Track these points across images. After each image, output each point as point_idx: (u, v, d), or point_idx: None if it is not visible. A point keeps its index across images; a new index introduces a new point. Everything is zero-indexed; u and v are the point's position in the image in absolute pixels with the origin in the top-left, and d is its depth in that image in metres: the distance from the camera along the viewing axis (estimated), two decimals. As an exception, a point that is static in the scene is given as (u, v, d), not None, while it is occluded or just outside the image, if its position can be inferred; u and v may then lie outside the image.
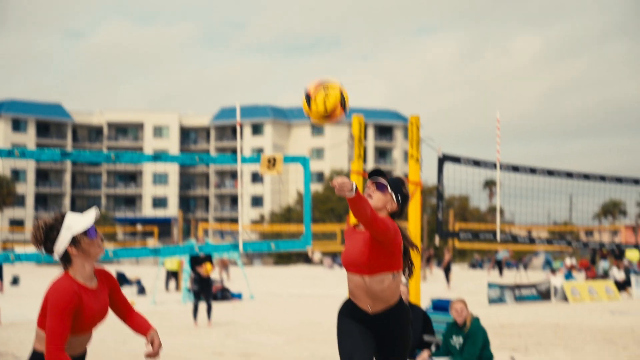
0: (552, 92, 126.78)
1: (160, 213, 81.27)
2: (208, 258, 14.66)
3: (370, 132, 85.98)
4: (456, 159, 10.14)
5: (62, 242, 3.81)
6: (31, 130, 79.99)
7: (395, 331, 4.29)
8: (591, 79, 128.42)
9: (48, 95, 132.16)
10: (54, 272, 42.20)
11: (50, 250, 3.85)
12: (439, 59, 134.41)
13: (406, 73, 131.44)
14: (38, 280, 29.46)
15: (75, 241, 3.81)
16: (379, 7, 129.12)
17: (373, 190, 4.35)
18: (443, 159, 10.03)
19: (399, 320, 4.29)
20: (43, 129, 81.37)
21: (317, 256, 53.26)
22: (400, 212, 4.39)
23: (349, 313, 4.32)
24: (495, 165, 10.35)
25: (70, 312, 3.70)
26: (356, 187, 3.83)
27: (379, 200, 4.32)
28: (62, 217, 3.87)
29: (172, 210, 79.48)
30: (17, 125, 79.49)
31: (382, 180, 4.36)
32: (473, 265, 49.34)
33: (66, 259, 3.84)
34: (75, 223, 3.84)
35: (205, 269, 14.52)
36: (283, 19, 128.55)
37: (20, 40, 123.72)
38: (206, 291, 14.57)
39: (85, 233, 3.83)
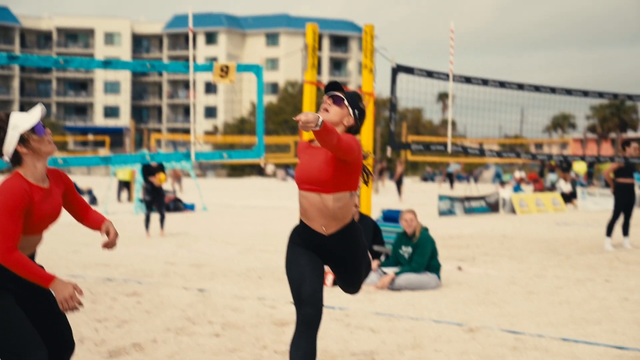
0: (510, 3, 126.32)
1: (112, 123, 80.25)
2: (160, 168, 14.51)
3: (326, 43, 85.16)
4: (409, 70, 10.12)
5: (10, 142, 3.74)
6: (-24, 35, 77.65)
7: (350, 249, 4.24)
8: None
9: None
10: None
11: None
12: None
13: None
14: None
15: (23, 140, 3.74)
16: None
17: (329, 104, 4.21)
18: (397, 70, 9.99)
19: (353, 238, 4.23)
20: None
21: (270, 168, 53.37)
22: (357, 128, 4.27)
23: (301, 238, 4.21)
24: (448, 77, 10.37)
25: (21, 211, 3.65)
26: (322, 121, 3.69)
27: (336, 114, 4.18)
28: (7, 116, 3.78)
29: (124, 120, 78.50)
30: (-39, 30, 77.04)
31: (339, 94, 4.24)
32: (425, 178, 49.96)
33: (16, 160, 3.76)
34: (22, 121, 3.75)
35: (159, 178, 14.40)
36: None
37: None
38: (159, 201, 14.49)
39: (33, 130, 3.76)
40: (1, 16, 79.90)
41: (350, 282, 4.45)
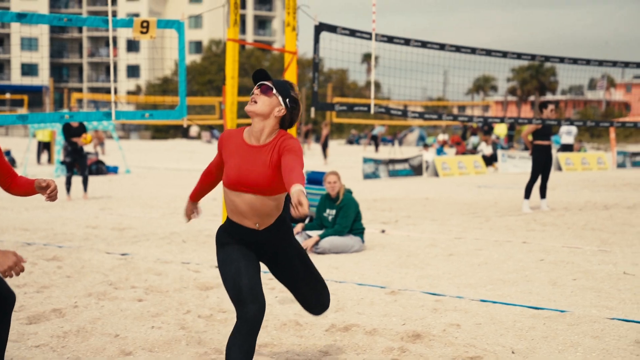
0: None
1: (29, 81, 77.91)
2: (83, 128, 14.12)
3: (250, 1, 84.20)
4: (332, 28, 10.10)
5: None
6: None
7: (282, 241, 4.10)
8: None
9: None
10: None
11: None
12: None
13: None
14: None
15: None
16: None
17: (257, 94, 3.92)
18: (319, 27, 9.96)
19: (285, 230, 4.10)
20: None
21: (194, 129, 52.78)
22: (291, 120, 3.99)
23: (231, 237, 4.03)
24: (370, 36, 10.38)
25: None
26: (301, 189, 3.46)
27: (264, 104, 3.91)
28: None
29: (43, 78, 76.29)
30: None
31: (268, 83, 3.95)
32: (350, 141, 50.22)
33: None
34: None
35: (84, 138, 14.00)
36: None
37: None
38: (81, 162, 14.16)
39: None
40: None
41: (293, 285, 4.25)
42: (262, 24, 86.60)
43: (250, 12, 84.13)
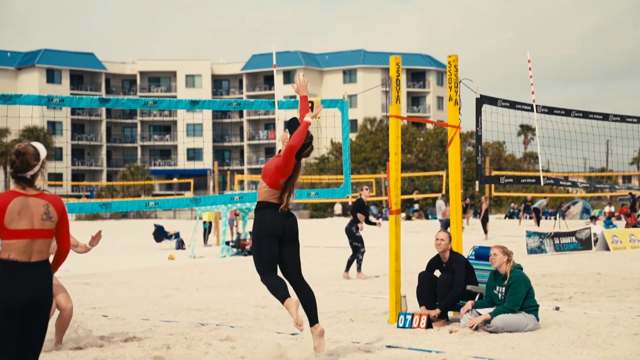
0: (594, 33, 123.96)
1: (195, 165, 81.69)
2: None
3: (403, 77, 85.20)
4: (493, 100, 9.96)
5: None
6: (65, 81, 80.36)
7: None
8: (634, 18, 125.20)
9: (83, 45, 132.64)
10: (91, 226, 42.76)
11: None
12: (478, 1, 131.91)
13: (444, 16, 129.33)
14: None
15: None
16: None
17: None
18: (481, 100, 9.84)
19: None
20: (77, 80, 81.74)
21: (338, 207, 52.59)
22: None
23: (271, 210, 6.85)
24: (531, 107, 10.15)
25: None
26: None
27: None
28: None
29: (207, 161, 79.82)
30: (52, 76, 79.88)
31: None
32: (510, 215, 48.96)
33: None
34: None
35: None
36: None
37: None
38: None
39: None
40: (88, 62, 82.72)
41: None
42: (415, 100, 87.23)
43: (403, 87, 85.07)
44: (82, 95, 8.39)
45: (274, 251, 6.72)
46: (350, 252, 14.43)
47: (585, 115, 10.65)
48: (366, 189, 14.70)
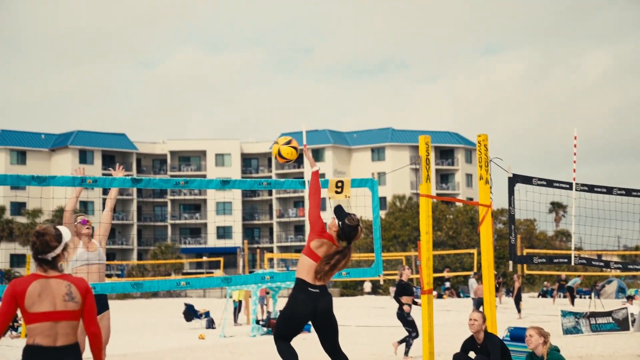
0: (625, 110, 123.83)
1: (224, 243, 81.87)
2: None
3: (432, 155, 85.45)
4: (528, 179, 9.89)
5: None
6: (97, 161, 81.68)
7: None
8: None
9: (114, 126, 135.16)
10: (121, 305, 42.72)
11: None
12: (506, 79, 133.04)
13: (472, 94, 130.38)
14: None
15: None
16: (445, 28, 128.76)
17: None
18: (514, 179, 9.78)
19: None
20: (108, 160, 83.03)
21: (367, 285, 51.79)
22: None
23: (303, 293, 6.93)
24: (570, 185, 10.06)
25: None
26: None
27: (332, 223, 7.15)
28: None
29: (236, 240, 79.99)
30: (84, 157, 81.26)
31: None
32: (543, 294, 48.16)
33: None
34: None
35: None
36: (351, 43, 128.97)
37: (93, 72, 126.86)
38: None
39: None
40: (120, 143, 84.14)
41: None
42: (444, 177, 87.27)
43: (432, 166, 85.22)
44: (113, 178, 8.48)
45: (297, 330, 7.11)
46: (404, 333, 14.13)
47: (628, 192, 10.53)
48: (407, 269, 14.43)
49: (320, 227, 7.06)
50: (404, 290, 13.99)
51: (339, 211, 7.16)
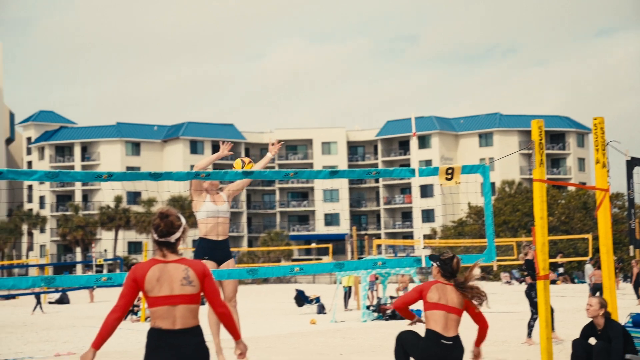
0: None
1: (332, 230, 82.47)
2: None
3: (543, 139, 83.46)
4: (647, 162, 9.57)
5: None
6: (207, 151, 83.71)
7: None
8: None
9: (223, 117, 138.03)
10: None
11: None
12: (619, 62, 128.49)
13: (583, 77, 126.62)
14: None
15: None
16: (555, 11, 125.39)
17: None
18: (632, 162, 9.49)
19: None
20: (218, 150, 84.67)
21: (476, 271, 51.29)
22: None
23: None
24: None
25: None
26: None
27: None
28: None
29: (344, 226, 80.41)
30: (195, 147, 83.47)
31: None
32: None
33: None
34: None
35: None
36: (457, 29, 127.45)
37: (203, 66, 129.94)
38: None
39: None
40: (228, 133, 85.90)
41: None
42: (555, 162, 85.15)
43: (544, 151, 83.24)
44: (221, 167, 8.73)
45: None
46: (529, 315, 13.90)
47: None
48: (533, 249, 14.13)
49: (418, 291, 7.25)
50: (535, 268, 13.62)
51: (431, 258, 7.53)
